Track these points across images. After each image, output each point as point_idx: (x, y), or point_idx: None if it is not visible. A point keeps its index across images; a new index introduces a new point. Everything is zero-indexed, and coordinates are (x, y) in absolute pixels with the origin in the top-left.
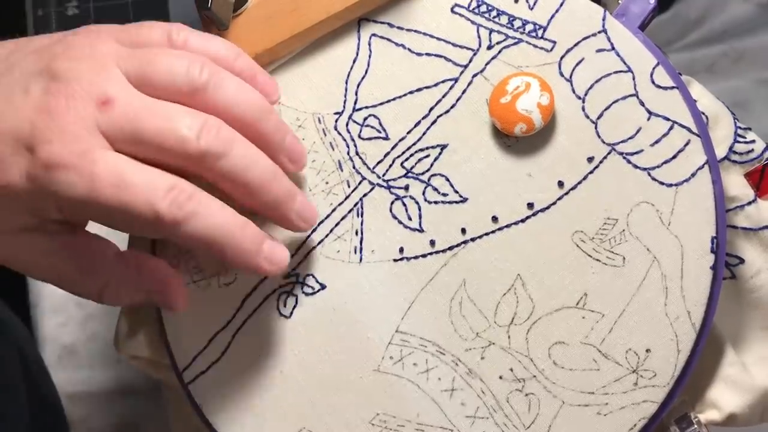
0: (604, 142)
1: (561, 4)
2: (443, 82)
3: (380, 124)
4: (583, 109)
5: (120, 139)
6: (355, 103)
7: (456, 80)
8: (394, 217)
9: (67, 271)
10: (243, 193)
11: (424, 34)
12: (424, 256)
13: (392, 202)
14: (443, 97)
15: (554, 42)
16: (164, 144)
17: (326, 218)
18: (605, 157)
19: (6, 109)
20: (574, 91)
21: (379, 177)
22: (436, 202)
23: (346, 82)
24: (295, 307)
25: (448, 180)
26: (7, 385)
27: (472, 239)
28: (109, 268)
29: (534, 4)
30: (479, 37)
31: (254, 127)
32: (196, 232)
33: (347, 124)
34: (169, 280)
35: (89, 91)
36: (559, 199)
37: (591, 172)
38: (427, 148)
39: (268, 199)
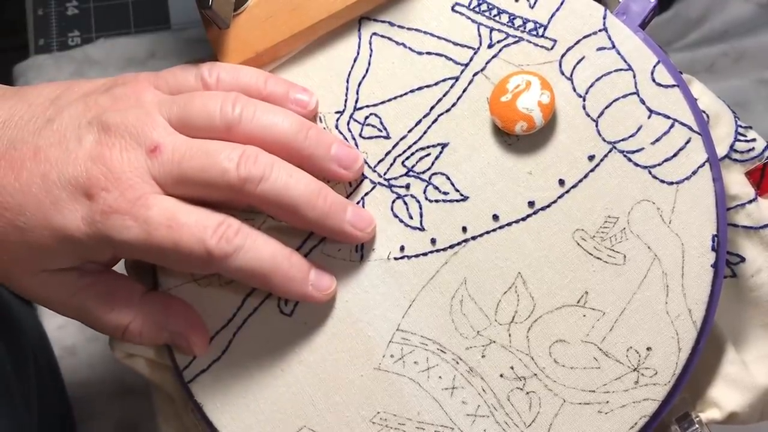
0: (604, 141)
1: (561, 3)
2: (444, 80)
3: (381, 123)
4: (584, 108)
5: (169, 182)
6: (356, 102)
7: (457, 79)
8: (395, 216)
9: (93, 308)
10: (290, 214)
11: (425, 32)
12: (425, 254)
13: (393, 201)
14: (444, 95)
15: (555, 40)
16: (208, 179)
17: None
18: (606, 156)
19: (62, 156)
20: (574, 90)
21: (380, 176)
22: (437, 201)
23: (347, 81)
24: (296, 305)
25: (449, 178)
26: (20, 390)
27: (473, 238)
28: (135, 307)
29: (534, 2)
30: (480, 35)
31: (292, 147)
32: (245, 264)
33: (348, 123)
34: (194, 323)
35: (138, 140)
36: (559, 197)
37: (592, 171)
38: (428, 146)
39: (315, 215)
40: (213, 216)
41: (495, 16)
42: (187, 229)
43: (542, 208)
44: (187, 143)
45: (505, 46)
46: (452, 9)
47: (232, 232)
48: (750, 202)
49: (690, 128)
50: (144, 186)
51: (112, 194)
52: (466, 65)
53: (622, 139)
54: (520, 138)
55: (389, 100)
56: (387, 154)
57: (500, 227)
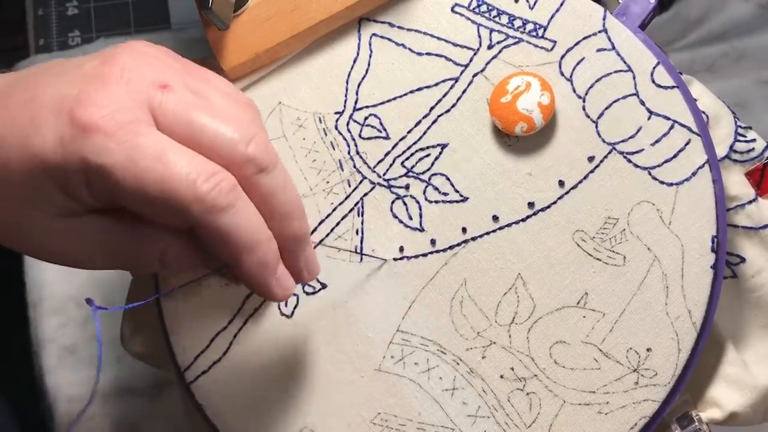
0: (604, 142)
1: (561, 4)
2: (444, 81)
3: (381, 123)
4: (584, 109)
5: (170, 124)
6: (356, 102)
7: (456, 80)
8: (395, 217)
9: (122, 243)
10: (270, 216)
11: (425, 33)
12: (424, 255)
13: (393, 202)
14: (444, 96)
15: (555, 41)
16: (213, 140)
17: (327, 218)
18: (606, 157)
19: (55, 80)
20: (574, 91)
21: (379, 176)
22: (436, 202)
23: (347, 82)
24: (296, 306)
25: (448, 179)
26: None
27: (473, 238)
28: (167, 232)
29: (534, 3)
30: (480, 36)
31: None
32: (230, 227)
33: (348, 124)
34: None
35: (148, 75)
36: (559, 198)
37: (591, 172)
38: (428, 147)
39: (291, 232)
40: (208, 163)
41: (495, 17)
42: (179, 166)
43: (542, 209)
44: (201, 98)
45: (504, 47)
46: (452, 10)
47: (228, 186)
48: (750, 202)
49: (690, 129)
50: (138, 113)
51: (98, 110)
52: (466, 66)
53: (622, 140)
54: (520, 139)
55: (389, 100)
56: (386, 154)
57: (500, 228)
